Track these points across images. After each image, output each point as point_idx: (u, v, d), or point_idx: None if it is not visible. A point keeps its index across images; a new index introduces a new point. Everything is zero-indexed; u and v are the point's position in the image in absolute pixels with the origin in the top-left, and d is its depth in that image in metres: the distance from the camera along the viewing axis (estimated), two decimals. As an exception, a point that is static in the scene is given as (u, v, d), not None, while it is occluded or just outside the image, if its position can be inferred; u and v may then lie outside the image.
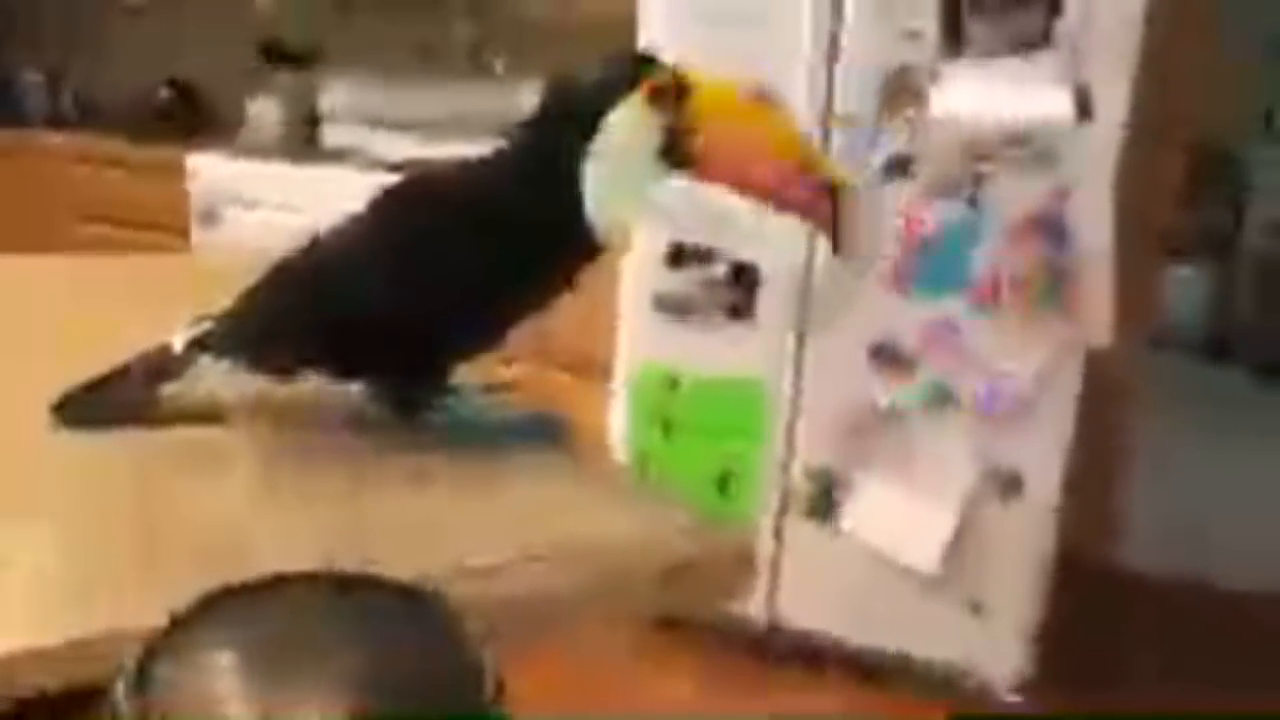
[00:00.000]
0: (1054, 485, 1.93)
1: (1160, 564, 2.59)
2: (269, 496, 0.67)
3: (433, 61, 2.96)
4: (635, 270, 2.16)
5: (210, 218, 2.74)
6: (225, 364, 0.73)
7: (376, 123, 2.92)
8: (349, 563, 0.50)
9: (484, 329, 0.79)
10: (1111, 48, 1.81)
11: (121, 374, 0.74)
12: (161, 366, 0.74)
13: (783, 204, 0.81)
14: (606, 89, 0.76)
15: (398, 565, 0.54)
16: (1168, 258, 3.28)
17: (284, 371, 0.76)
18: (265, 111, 3.03)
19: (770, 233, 2.03)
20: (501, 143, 0.81)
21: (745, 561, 0.71)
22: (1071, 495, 2.00)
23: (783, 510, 2.11)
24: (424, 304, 0.75)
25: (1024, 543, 1.95)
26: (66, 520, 0.63)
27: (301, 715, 0.41)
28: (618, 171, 0.76)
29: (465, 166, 0.82)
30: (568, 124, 0.76)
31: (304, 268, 0.77)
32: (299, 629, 0.46)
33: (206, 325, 0.75)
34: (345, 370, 0.76)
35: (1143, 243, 2.56)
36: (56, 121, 3.38)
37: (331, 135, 2.98)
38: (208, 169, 2.78)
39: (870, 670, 2.06)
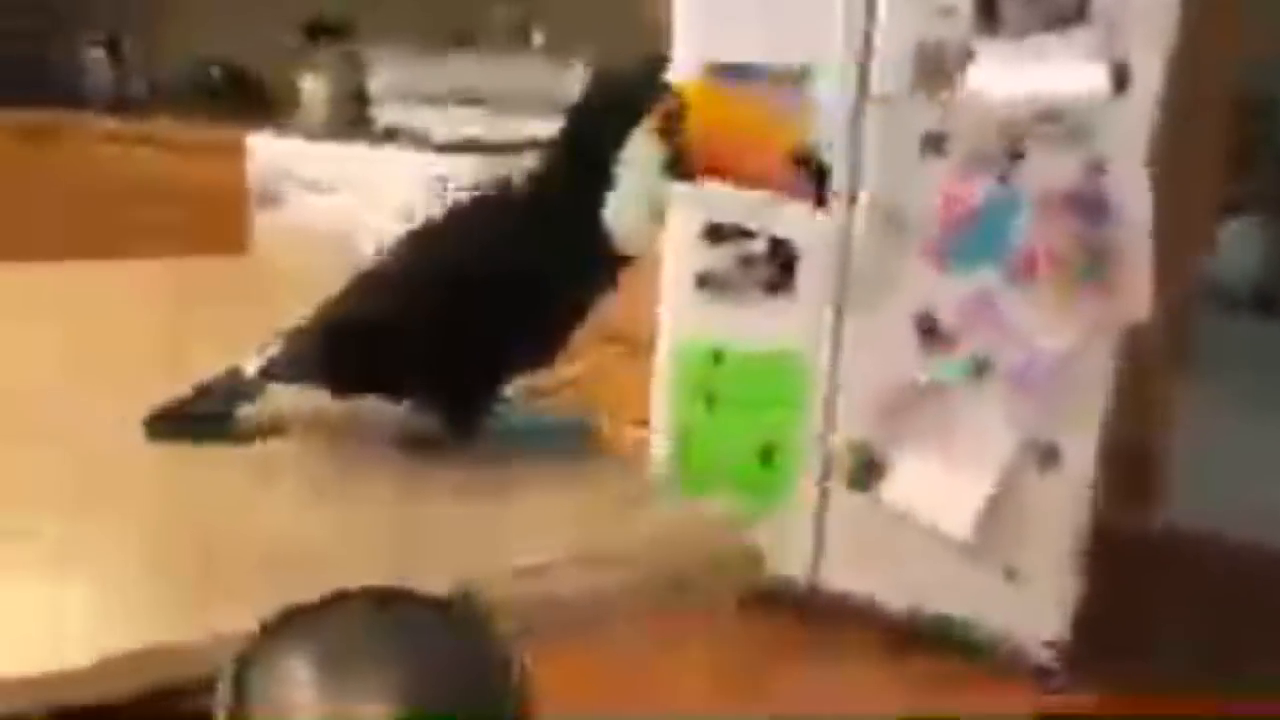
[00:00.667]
0: (1090, 456, 1.96)
1: (1204, 530, 2.60)
2: (328, 506, 0.75)
3: (474, 38, 3.01)
4: (676, 249, 2.21)
5: (269, 198, 2.85)
6: (293, 388, 0.81)
7: (423, 100, 3.00)
8: (405, 569, 0.58)
9: (538, 341, 0.85)
10: (1148, 21, 1.80)
11: (202, 394, 0.83)
12: (236, 389, 0.82)
13: (781, 190, 0.88)
14: (630, 105, 0.82)
15: (445, 569, 0.62)
16: (1222, 214, 3.24)
17: (345, 392, 0.84)
18: (316, 90, 3.11)
19: (805, 210, 2.07)
20: (544, 143, 0.87)
21: (755, 561, 0.78)
22: (1114, 462, 2.03)
23: (824, 480, 2.17)
24: (484, 318, 0.81)
25: (1060, 512, 1.99)
26: (141, 526, 0.71)
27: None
28: (635, 186, 0.82)
29: (510, 182, 0.87)
30: (598, 136, 0.82)
31: (365, 297, 0.84)
32: (352, 643, 0.55)
33: (274, 350, 0.83)
34: (402, 392, 0.84)
35: (1189, 212, 2.54)
36: (112, 104, 3.49)
37: (380, 113, 3.06)
38: (264, 149, 2.88)
39: (910, 634, 2.12)
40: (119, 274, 1.37)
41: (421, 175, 2.65)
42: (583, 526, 0.78)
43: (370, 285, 0.85)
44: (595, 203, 0.82)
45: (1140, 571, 2.49)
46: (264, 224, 2.85)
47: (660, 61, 0.85)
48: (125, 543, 0.70)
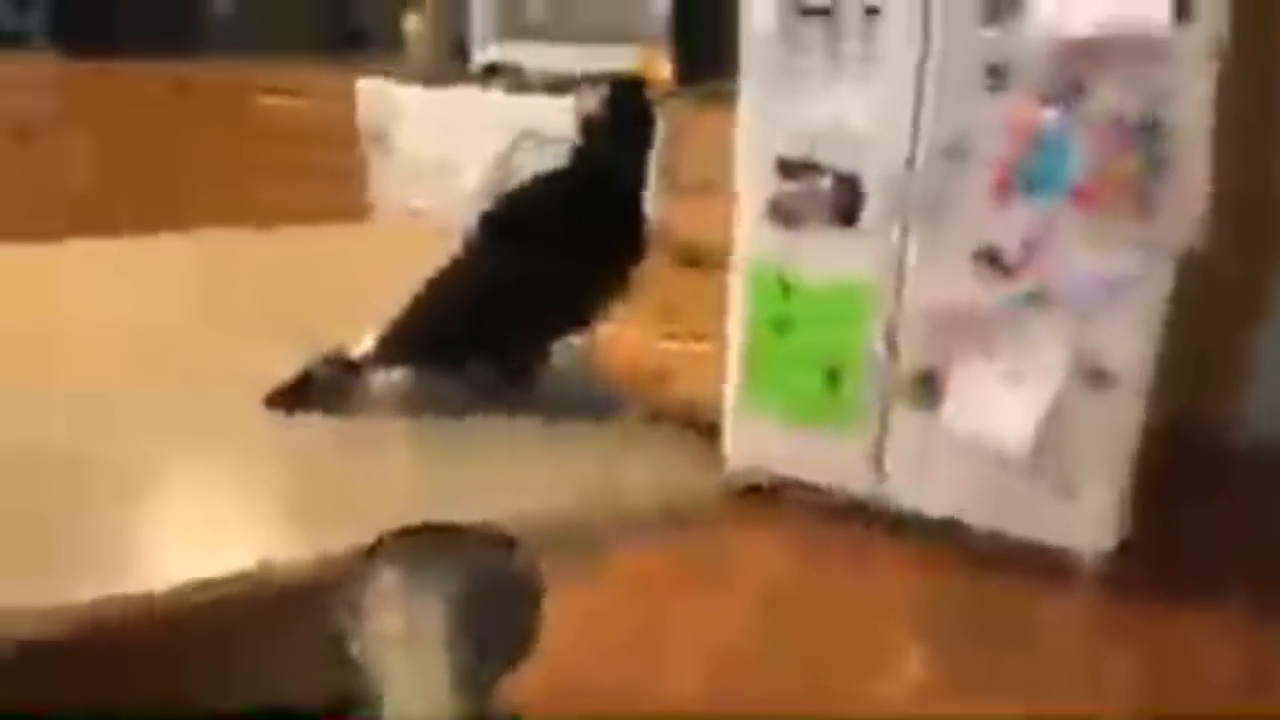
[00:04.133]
0: (1142, 377, 2.05)
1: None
2: (407, 461, 0.97)
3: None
4: (749, 180, 2.35)
5: (380, 139, 3.09)
6: (391, 371, 1.03)
7: (521, 36, 3.17)
8: (461, 508, 0.80)
9: (582, 308, 1.05)
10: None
11: (312, 376, 1.01)
12: (342, 371, 1.02)
13: None
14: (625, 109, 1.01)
15: (493, 509, 0.84)
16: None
17: (427, 370, 1.05)
18: (419, 32, 3.31)
19: (871, 144, 2.19)
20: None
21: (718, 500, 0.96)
22: (1184, 374, 2.09)
23: (887, 401, 2.32)
24: (537, 294, 1.00)
25: (1112, 430, 2.10)
26: (277, 480, 0.94)
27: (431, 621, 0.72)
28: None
29: (558, 176, 1.06)
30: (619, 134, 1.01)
31: (449, 289, 1.02)
32: (426, 564, 0.77)
33: (377, 337, 1.03)
34: (467, 365, 1.04)
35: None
36: (232, 48, 3.73)
37: (480, 52, 3.24)
38: (372, 93, 3.11)
39: (970, 546, 2.29)
40: (254, 242, 1.62)
41: (517, 113, 2.84)
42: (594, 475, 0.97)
43: (446, 277, 1.04)
44: (638, 180, 1.00)
45: (1210, 485, 2.56)
46: (377, 164, 3.11)
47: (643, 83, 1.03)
48: (258, 481, 0.94)
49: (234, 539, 0.86)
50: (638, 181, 1.05)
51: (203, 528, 0.87)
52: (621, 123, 1.03)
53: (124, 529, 0.85)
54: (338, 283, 1.41)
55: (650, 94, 1.04)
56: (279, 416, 1.00)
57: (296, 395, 1.01)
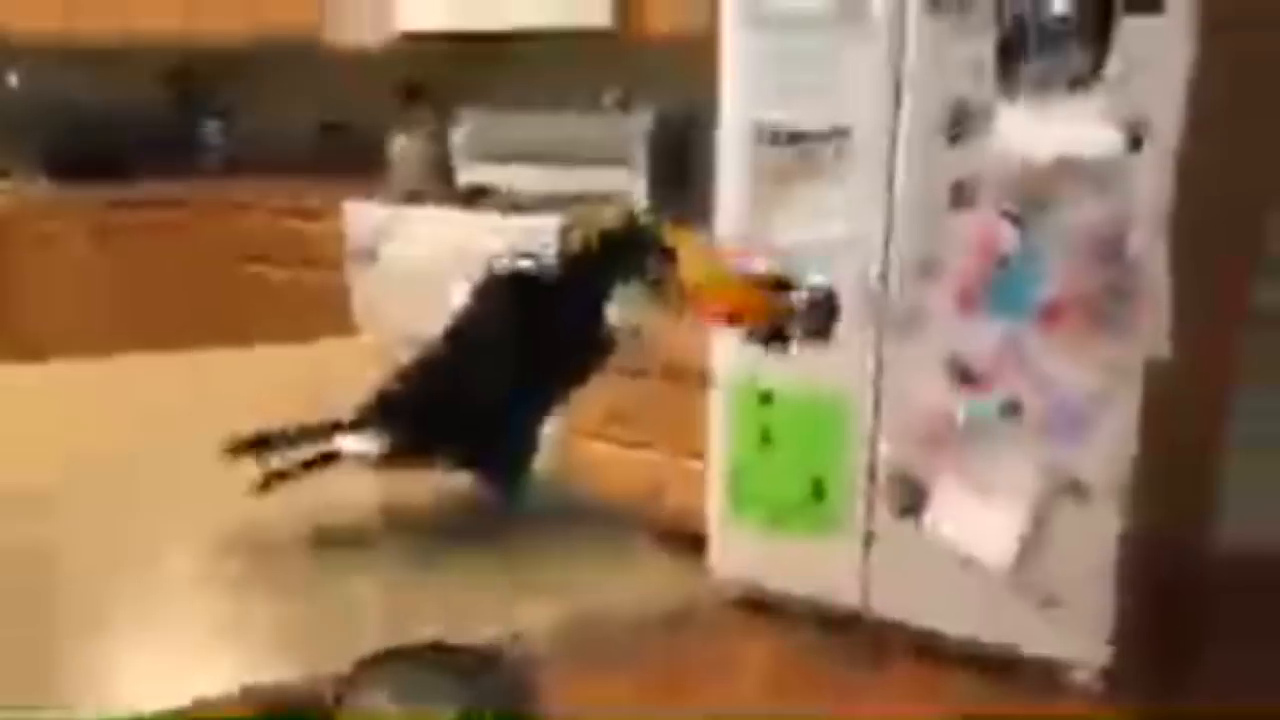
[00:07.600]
0: (1119, 490, 2.07)
1: (1256, 546, 2.65)
2: (397, 573, 0.97)
3: (551, 100, 3.26)
4: (727, 298, 2.40)
5: (365, 256, 3.15)
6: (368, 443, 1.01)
7: (499, 158, 3.27)
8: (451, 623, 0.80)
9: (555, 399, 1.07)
10: (1161, 79, 1.92)
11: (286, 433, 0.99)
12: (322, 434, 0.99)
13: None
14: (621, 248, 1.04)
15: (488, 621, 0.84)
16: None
17: (422, 453, 1.03)
18: (405, 152, 3.40)
19: (845, 259, 2.25)
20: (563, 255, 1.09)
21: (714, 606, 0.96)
22: (1158, 484, 2.12)
23: (871, 510, 2.33)
24: (532, 380, 1.02)
25: (1092, 542, 2.11)
26: (266, 603, 0.93)
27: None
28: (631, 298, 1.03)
29: (541, 277, 1.09)
30: (603, 264, 1.04)
31: (442, 362, 1.05)
32: (416, 681, 0.77)
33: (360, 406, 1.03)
34: (466, 456, 1.04)
35: (1242, 234, 2.61)
36: (227, 172, 3.84)
37: (462, 172, 3.33)
38: (359, 212, 3.18)
39: (955, 658, 2.26)
40: (241, 361, 1.64)
41: (502, 231, 2.91)
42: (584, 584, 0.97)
43: (417, 370, 1.06)
44: (602, 298, 1.03)
45: (1188, 591, 2.56)
46: (361, 280, 3.15)
47: (653, 225, 1.08)
48: (245, 605, 0.93)
49: (221, 663, 0.85)
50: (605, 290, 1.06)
51: (187, 652, 0.86)
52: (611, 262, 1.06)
53: (104, 653, 0.84)
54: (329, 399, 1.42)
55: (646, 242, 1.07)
56: (265, 540, 1.00)
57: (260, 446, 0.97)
